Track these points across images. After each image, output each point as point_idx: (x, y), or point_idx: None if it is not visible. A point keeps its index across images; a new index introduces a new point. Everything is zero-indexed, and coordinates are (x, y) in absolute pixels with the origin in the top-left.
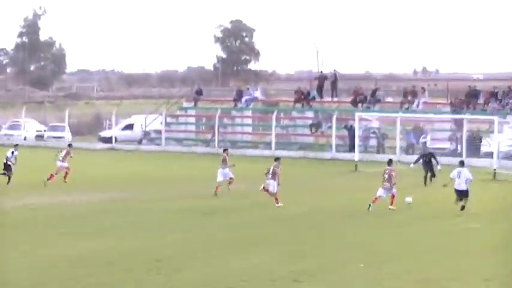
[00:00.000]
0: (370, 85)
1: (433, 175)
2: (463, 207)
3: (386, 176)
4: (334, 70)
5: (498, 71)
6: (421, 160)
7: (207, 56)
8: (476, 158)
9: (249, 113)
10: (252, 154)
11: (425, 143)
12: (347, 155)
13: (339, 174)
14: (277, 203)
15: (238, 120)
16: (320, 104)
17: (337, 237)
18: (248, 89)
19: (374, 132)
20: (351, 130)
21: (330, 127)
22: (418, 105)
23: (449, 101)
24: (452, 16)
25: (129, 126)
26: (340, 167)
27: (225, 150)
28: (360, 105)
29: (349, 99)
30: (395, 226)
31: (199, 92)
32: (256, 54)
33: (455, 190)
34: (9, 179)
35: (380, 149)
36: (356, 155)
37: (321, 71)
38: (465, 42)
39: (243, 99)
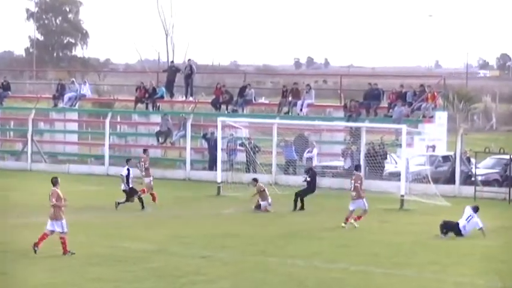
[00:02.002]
0: (238, 80)
1: (302, 205)
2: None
3: (352, 185)
4: (190, 60)
5: (407, 64)
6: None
7: (17, 37)
8: (379, 180)
9: (74, 115)
10: (77, 171)
11: (310, 159)
12: (206, 174)
13: (195, 200)
14: None
15: (59, 126)
16: (170, 105)
17: None
18: (73, 82)
19: (243, 144)
20: (211, 141)
21: (184, 136)
22: (301, 109)
23: (342, 104)
24: None
25: None
26: (197, 191)
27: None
28: (223, 107)
29: (210, 99)
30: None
31: (5, 87)
32: (83, 36)
33: (446, 223)
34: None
35: (250, 166)
36: (218, 175)
37: (172, 62)
38: (364, 27)
39: (66, 97)
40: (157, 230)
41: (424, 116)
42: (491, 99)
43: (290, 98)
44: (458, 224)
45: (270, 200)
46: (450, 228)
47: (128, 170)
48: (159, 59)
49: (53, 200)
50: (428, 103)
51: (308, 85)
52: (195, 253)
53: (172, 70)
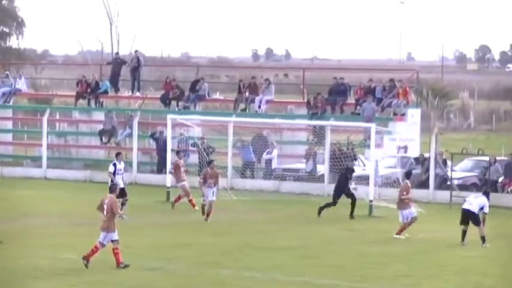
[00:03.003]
0: (190, 74)
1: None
2: (483, 239)
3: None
4: (137, 52)
5: (376, 57)
6: None
7: None
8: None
9: (8, 112)
10: (12, 174)
11: (270, 160)
12: (155, 178)
13: (142, 206)
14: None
15: None
16: (115, 101)
17: None
18: (7, 76)
19: (195, 144)
20: (160, 141)
21: (130, 136)
22: (260, 106)
23: (305, 100)
24: None
25: None
26: (144, 196)
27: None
28: (174, 103)
29: (159, 94)
30: None
31: None
32: (19, 25)
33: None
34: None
35: (203, 168)
36: (168, 178)
37: (117, 53)
38: (329, 15)
39: None
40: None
41: (395, 114)
42: (469, 95)
43: (247, 94)
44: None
45: (216, 191)
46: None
47: (114, 164)
48: (102, 50)
49: (117, 210)
50: (399, 99)
51: (267, 79)
52: (141, 265)
53: (117, 62)
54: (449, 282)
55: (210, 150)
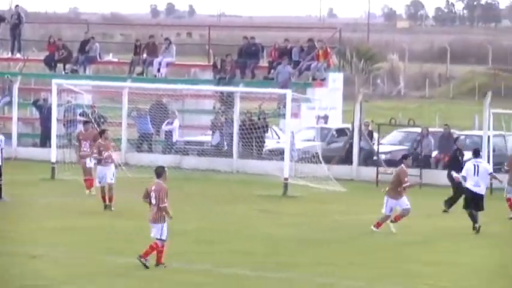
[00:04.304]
0: (78, 33)
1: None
2: (476, 228)
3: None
4: (17, 7)
5: (293, 13)
6: None
7: None
8: (257, 160)
9: None
10: None
11: (170, 132)
12: (38, 152)
13: (23, 185)
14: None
15: None
16: None
17: None
18: None
19: (84, 114)
20: (44, 109)
21: (9, 103)
22: (159, 69)
23: (211, 63)
24: None
25: None
26: (25, 173)
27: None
28: (60, 66)
29: (43, 56)
30: None
31: None
32: None
33: (467, 191)
34: None
35: None
36: (53, 152)
37: None
38: None
39: None
40: None
41: (314, 79)
42: (398, 57)
43: (145, 56)
44: (471, 191)
45: (115, 171)
46: (473, 201)
47: None
48: None
49: (165, 199)
50: (319, 62)
51: (167, 39)
52: (22, 251)
53: None
54: (371, 270)
55: (102, 120)
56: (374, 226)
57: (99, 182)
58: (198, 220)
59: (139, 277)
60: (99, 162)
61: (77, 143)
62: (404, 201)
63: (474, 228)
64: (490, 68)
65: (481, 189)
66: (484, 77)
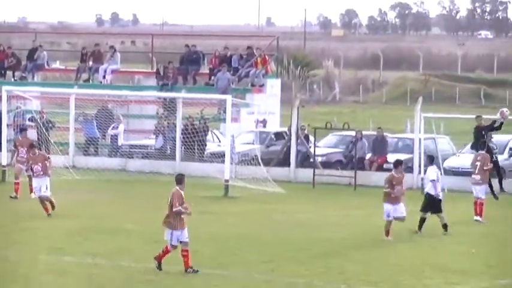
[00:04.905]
0: (27, 41)
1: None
2: (445, 226)
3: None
4: None
5: (232, 22)
6: None
7: None
8: (198, 163)
9: None
10: None
11: (116, 136)
12: None
13: None
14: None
15: None
16: None
17: None
18: None
19: (33, 119)
20: None
21: None
22: (104, 76)
23: (154, 70)
24: None
25: None
26: None
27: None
28: (9, 73)
29: None
30: None
31: None
32: None
33: (426, 196)
34: None
35: (42, 145)
36: (3, 156)
37: None
38: None
39: None
40: None
41: (253, 85)
42: (334, 64)
43: (91, 63)
44: (430, 195)
45: (49, 183)
46: (432, 205)
47: None
48: None
49: (177, 204)
50: (258, 69)
51: (112, 47)
52: None
53: None
54: (311, 267)
55: (50, 125)
56: (385, 235)
57: (35, 193)
58: (145, 221)
59: (84, 276)
60: (33, 174)
61: (14, 149)
62: (401, 209)
63: (419, 229)
64: (421, 74)
65: (439, 193)
66: (415, 82)
